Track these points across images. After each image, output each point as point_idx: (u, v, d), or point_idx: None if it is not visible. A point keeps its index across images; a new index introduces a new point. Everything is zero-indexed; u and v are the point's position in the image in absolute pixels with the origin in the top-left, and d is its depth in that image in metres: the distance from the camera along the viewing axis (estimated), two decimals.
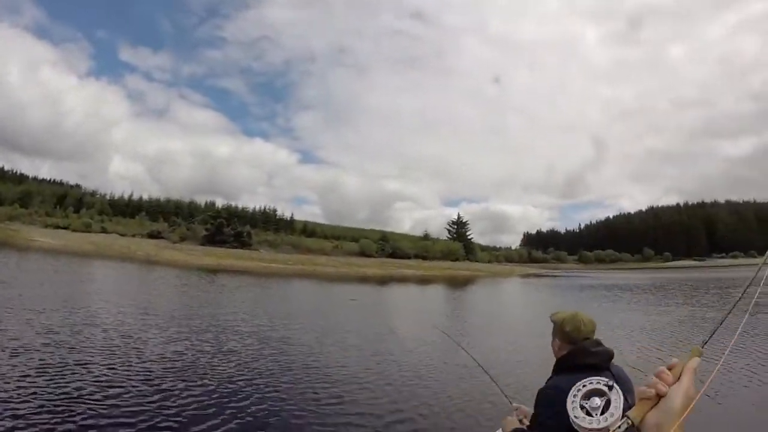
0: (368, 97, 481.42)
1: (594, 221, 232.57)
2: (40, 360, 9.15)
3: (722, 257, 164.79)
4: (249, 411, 7.46)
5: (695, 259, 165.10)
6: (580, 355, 2.80)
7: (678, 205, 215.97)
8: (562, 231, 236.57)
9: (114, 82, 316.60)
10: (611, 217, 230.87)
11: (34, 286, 20.08)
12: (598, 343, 2.90)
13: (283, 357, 11.51)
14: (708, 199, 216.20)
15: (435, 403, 8.66)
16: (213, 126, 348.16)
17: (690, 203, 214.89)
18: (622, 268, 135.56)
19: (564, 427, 2.32)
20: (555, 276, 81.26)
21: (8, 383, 7.64)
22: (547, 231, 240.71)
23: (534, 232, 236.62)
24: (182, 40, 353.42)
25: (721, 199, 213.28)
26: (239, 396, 8.17)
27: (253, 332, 14.60)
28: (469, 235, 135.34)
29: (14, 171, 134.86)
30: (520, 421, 3.31)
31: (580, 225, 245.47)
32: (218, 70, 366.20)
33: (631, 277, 71.78)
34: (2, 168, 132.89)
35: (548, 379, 2.85)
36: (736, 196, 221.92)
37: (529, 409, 3.18)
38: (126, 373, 8.94)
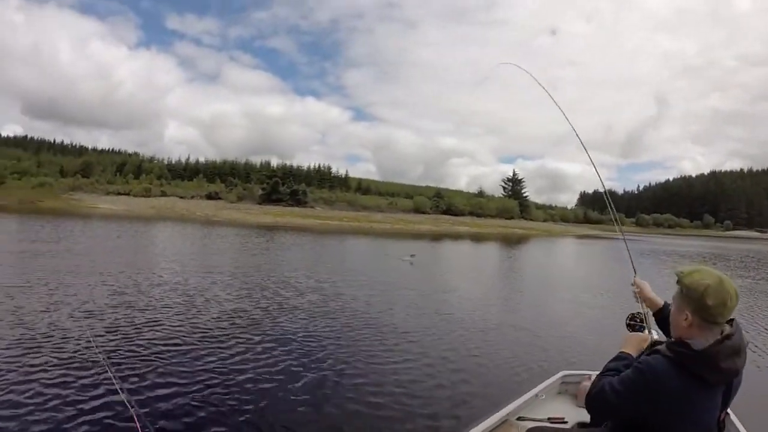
0: (418, 52, 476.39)
1: (653, 183, 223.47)
2: (111, 321, 9.55)
3: None
4: (312, 367, 7.69)
5: (757, 230, 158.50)
6: (721, 357, 2.15)
7: (742, 170, 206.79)
8: (620, 192, 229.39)
9: (164, 51, 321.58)
10: (671, 179, 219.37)
11: (101, 251, 20.77)
12: (741, 336, 2.28)
13: (343, 314, 11.74)
14: None
15: (490, 359, 8.86)
16: (264, 87, 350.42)
17: (755, 170, 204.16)
18: (680, 234, 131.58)
19: (640, 411, 2.28)
20: (611, 239, 79.78)
21: (82, 342, 7.99)
22: (605, 191, 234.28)
23: (591, 191, 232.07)
24: (228, 3, 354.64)
25: None
26: (302, 352, 8.44)
27: (314, 288, 15.00)
28: (525, 192, 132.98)
29: (74, 144, 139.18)
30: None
31: (638, 186, 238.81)
32: (266, 31, 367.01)
33: (690, 245, 70.24)
34: (62, 142, 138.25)
35: (661, 355, 2.26)
36: None
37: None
38: (193, 330, 9.32)
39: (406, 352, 8.77)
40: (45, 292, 11.87)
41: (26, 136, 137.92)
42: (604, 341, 9.92)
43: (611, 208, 3.95)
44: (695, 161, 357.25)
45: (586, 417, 2.98)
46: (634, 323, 3.21)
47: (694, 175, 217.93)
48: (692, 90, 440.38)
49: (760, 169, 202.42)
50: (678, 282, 2.34)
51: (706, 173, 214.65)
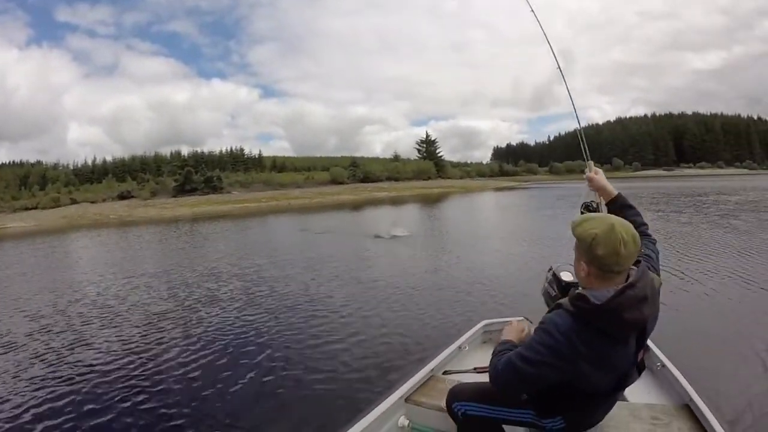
0: (323, 22, 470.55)
1: (563, 133, 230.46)
2: (35, 350, 9.35)
3: (689, 167, 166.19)
4: (243, 357, 7.93)
5: (664, 169, 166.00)
6: (624, 309, 2.10)
7: (646, 116, 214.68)
8: (532, 143, 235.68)
9: (56, 46, 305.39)
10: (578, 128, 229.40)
11: (15, 276, 20.40)
12: (647, 281, 2.22)
13: (268, 297, 11.96)
14: (675, 111, 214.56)
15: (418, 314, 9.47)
16: (167, 73, 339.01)
17: (658, 114, 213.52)
18: None
19: (552, 374, 2.30)
20: (528, 188, 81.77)
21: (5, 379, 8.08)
22: (517, 144, 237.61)
23: (504, 145, 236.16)
24: None
25: (689, 111, 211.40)
26: (229, 343, 8.65)
27: (238, 275, 15.17)
28: (439, 152, 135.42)
29: None
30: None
31: (549, 137, 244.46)
32: (163, 15, 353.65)
33: None
34: None
35: (565, 311, 2.23)
36: (704, 109, 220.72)
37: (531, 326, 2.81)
38: (117, 342, 9.31)
39: (332, 325, 9.14)
40: None
41: None
42: (524, 288, 10.56)
43: (584, 147, 3.93)
44: (602, 110, 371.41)
45: None
46: (590, 209, 3.10)
47: (601, 123, 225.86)
48: (596, 44, 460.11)
49: (662, 114, 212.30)
50: (573, 233, 2.32)
51: (612, 120, 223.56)
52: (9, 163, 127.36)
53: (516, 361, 2.33)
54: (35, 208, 78.99)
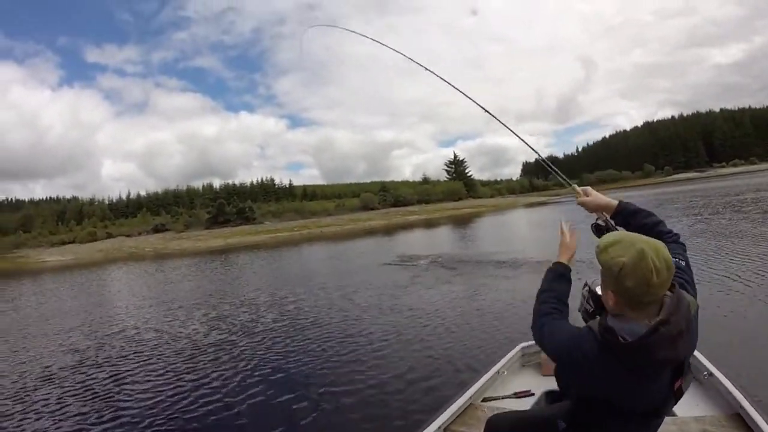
0: (345, 50, 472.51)
1: (591, 142, 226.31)
2: (76, 380, 9.61)
3: (722, 166, 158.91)
4: (284, 383, 8.04)
5: (696, 171, 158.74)
6: (656, 349, 1.84)
7: (673, 117, 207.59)
8: (561, 156, 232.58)
9: (88, 86, 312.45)
10: (607, 136, 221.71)
11: (54, 308, 20.69)
12: (683, 313, 1.92)
13: (305, 324, 12.09)
14: (703, 109, 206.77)
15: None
16: (195, 108, 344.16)
17: (685, 114, 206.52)
18: (625, 186, 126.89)
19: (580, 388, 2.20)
20: (559, 202, 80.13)
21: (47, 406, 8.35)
22: (546, 157, 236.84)
23: (532, 160, 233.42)
24: (146, 29, 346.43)
25: (716, 108, 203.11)
26: (272, 371, 8.71)
27: (274, 304, 15.28)
28: (468, 172, 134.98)
29: (9, 199, 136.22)
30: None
31: (577, 148, 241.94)
32: (189, 51, 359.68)
33: (636, 195, 67.38)
34: None
35: (596, 341, 1.97)
36: (731, 104, 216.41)
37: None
38: (159, 375, 9.39)
39: (367, 352, 9.09)
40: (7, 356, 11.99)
41: None
42: None
43: (555, 171, 3.61)
44: (628, 115, 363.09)
45: (552, 384, 2.98)
46: (601, 228, 2.70)
47: (628, 129, 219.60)
48: (615, 48, 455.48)
49: (690, 113, 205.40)
50: (599, 260, 2.04)
51: (640, 125, 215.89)
52: (46, 199, 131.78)
53: (546, 342, 2.26)
54: (72, 242, 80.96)
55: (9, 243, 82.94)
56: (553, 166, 3.58)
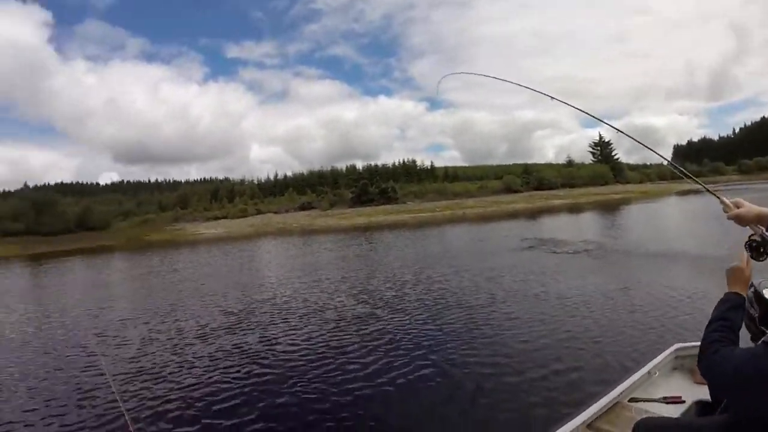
0: (478, 30, 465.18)
1: (749, 123, 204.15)
2: (227, 339, 10.32)
3: None
4: (440, 361, 8.14)
5: None
6: None
7: None
8: (715, 138, 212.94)
9: (231, 80, 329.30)
10: (766, 116, 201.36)
11: (208, 272, 21.54)
12: None
13: (453, 306, 11.99)
14: None
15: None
16: (334, 94, 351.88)
17: None
18: None
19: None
20: (718, 190, 73.02)
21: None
22: (699, 140, 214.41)
23: (684, 143, 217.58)
24: (279, 24, 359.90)
25: None
26: (423, 353, 8.72)
27: (422, 282, 15.47)
28: (615, 154, 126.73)
29: (167, 180, 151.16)
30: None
31: (734, 129, 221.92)
32: (323, 41, 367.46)
33: None
34: (156, 180, 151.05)
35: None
36: None
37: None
38: (308, 336, 9.98)
39: (511, 340, 8.90)
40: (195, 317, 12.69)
41: (123, 181, 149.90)
42: None
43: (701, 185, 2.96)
44: None
45: (706, 394, 2.83)
46: (757, 244, 2.35)
47: None
48: None
49: None
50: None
51: None
52: (200, 180, 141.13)
53: (721, 370, 2.00)
54: (225, 217, 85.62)
55: (168, 218, 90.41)
56: (688, 173, 3.33)
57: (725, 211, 2.43)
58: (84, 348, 10.55)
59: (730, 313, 2.21)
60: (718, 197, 2.56)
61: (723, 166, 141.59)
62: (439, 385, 6.98)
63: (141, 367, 8.76)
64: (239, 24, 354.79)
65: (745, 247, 2.30)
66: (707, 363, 2.08)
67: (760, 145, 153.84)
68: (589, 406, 3.55)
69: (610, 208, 53.14)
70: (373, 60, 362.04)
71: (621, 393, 3.76)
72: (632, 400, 3.79)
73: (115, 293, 18.85)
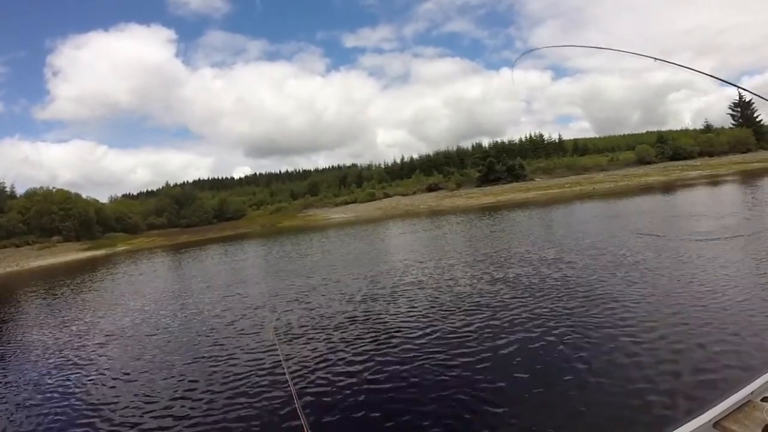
0: None
1: None
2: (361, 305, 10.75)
3: None
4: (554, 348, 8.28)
5: None
6: None
7: None
8: None
9: (352, 68, 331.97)
10: None
11: (346, 257, 22.26)
12: None
13: (578, 292, 11.88)
14: None
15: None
16: (456, 71, 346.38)
17: None
18: None
19: None
20: None
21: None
22: None
23: None
24: (391, 8, 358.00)
25: None
26: (545, 338, 8.88)
27: (550, 263, 15.54)
28: (758, 116, 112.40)
29: (297, 170, 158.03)
30: None
31: None
32: (438, 19, 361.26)
33: None
34: (287, 171, 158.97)
35: None
36: None
37: None
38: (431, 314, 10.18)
39: (637, 330, 8.63)
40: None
41: (255, 174, 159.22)
42: None
43: None
44: None
45: None
46: None
47: None
48: None
49: None
50: None
51: None
52: (329, 167, 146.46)
53: None
54: (353, 202, 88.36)
55: (299, 205, 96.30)
56: None
57: None
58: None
59: None
60: None
61: None
62: (552, 366, 7.18)
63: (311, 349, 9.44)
64: (353, 13, 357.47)
65: None
66: None
67: None
68: (717, 404, 3.37)
69: (753, 179, 48.37)
70: (492, 32, 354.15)
71: (754, 391, 3.49)
72: (765, 399, 3.50)
73: (248, 275, 19.90)
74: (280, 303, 13.44)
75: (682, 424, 3.10)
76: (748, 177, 50.92)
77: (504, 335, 8.74)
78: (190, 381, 8.22)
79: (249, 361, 8.70)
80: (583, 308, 10.10)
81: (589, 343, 7.99)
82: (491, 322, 9.60)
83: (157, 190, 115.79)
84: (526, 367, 7.29)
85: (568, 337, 8.41)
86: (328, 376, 7.54)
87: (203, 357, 9.42)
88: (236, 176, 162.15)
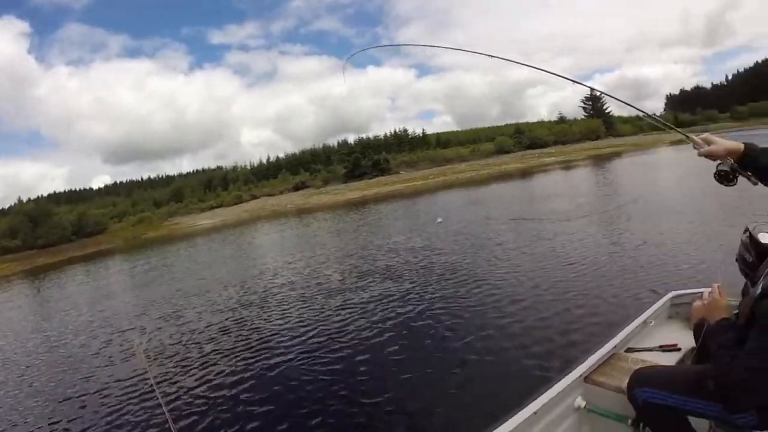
0: None
1: (743, 69, 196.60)
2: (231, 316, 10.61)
3: None
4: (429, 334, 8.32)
5: None
6: None
7: None
8: (708, 86, 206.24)
9: (217, 65, 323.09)
10: (759, 61, 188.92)
11: (214, 265, 21.78)
12: None
13: (445, 272, 12.26)
14: None
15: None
16: (322, 69, 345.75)
17: None
18: None
19: None
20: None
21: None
22: (692, 89, 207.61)
23: (677, 92, 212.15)
24: (261, 3, 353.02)
25: None
26: (416, 319, 9.01)
27: (414, 250, 15.71)
28: (607, 108, 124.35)
29: (160, 176, 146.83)
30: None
31: (727, 76, 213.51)
32: (306, 17, 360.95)
33: None
34: (149, 177, 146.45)
35: None
36: None
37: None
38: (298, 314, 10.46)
39: (509, 301, 9.03)
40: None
41: (116, 182, 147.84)
42: (716, 254, 9.46)
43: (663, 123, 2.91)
44: None
45: None
46: (725, 173, 2.44)
47: None
48: None
49: None
50: None
51: None
52: (193, 171, 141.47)
53: (754, 377, 2.07)
54: (220, 206, 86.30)
55: (164, 214, 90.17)
56: (656, 117, 3.36)
57: (695, 148, 2.52)
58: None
59: (729, 334, 2.32)
60: (687, 136, 2.71)
61: (716, 114, 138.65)
62: (427, 353, 7.15)
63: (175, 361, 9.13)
64: (220, 8, 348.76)
65: (714, 177, 2.41)
66: (745, 381, 2.12)
67: (754, 91, 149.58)
68: (586, 359, 3.56)
69: (600, 161, 53.64)
70: (359, 30, 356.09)
71: (617, 344, 3.75)
72: (629, 350, 3.81)
73: (113, 296, 19.09)
74: (149, 322, 12.69)
75: (556, 383, 3.22)
76: (599, 161, 55.89)
77: (378, 326, 8.70)
78: (53, 423, 7.71)
79: (120, 392, 8.23)
80: (452, 290, 10.28)
81: (463, 323, 8.16)
82: (364, 315, 9.49)
83: (9, 207, 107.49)
84: (404, 354, 7.33)
85: (443, 319, 8.52)
86: (203, 393, 7.22)
87: (71, 395, 8.83)
88: (95, 186, 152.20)
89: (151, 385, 7.42)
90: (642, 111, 3.50)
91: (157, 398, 6.94)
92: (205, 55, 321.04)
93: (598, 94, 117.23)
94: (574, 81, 3.77)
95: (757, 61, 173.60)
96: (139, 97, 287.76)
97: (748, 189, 1.94)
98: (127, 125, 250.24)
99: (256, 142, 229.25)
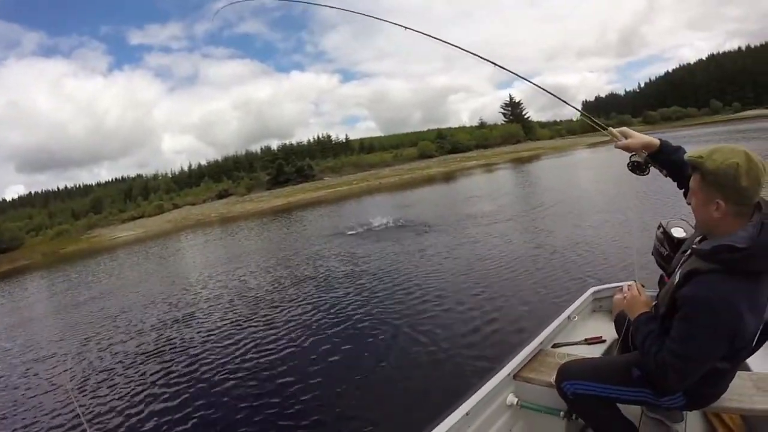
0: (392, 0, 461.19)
1: (654, 77, 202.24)
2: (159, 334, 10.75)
3: None
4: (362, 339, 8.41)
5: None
6: None
7: (740, 49, 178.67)
8: (622, 93, 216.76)
9: (137, 67, 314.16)
10: (670, 70, 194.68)
11: (138, 280, 21.43)
12: None
13: (374, 274, 12.45)
14: None
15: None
16: (246, 73, 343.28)
17: (753, 46, 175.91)
18: (691, 125, 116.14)
19: (723, 348, 2.08)
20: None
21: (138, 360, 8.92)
22: (607, 95, 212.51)
23: (593, 98, 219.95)
24: (185, 4, 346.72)
25: None
26: (347, 324, 9.10)
27: (340, 256, 15.81)
28: (526, 114, 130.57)
29: (78, 185, 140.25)
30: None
31: (639, 84, 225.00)
32: (232, 19, 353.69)
33: (705, 132, 62.95)
34: (66, 187, 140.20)
35: (710, 275, 2.02)
36: None
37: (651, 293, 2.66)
38: (228, 325, 10.40)
39: (435, 304, 9.18)
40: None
41: (30, 193, 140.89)
42: (631, 250, 9.52)
43: (590, 119, 3.12)
44: (694, 47, 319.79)
45: None
46: (638, 163, 2.63)
47: (693, 62, 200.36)
48: None
49: (759, 45, 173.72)
50: (697, 169, 2.08)
51: (705, 58, 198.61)
52: (112, 180, 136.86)
53: (683, 362, 2.13)
54: (141, 216, 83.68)
55: (83, 226, 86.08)
56: (583, 112, 3.40)
57: (614, 141, 2.69)
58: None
59: (651, 325, 2.36)
60: (606, 129, 2.82)
61: (629, 118, 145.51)
62: (359, 357, 7.24)
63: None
64: (143, 7, 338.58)
65: (628, 166, 2.58)
66: (668, 353, 2.16)
67: (664, 97, 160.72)
68: (513, 357, 3.60)
69: (520, 164, 55.35)
70: (284, 35, 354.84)
71: (543, 340, 3.82)
72: (555, 345, 3.91)
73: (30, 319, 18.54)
74: (71, 346, 12.51)
75: (486, 381, 3.28)
76: (518, 163, 57.73)
77: (311, 336, 8.60)
78: None
79: (46, 425, 8.16)
80: (380, 296, 10.31)
81: (390, 328, 8.20)
82: (295, 325, 9.36)
83: None
84: (337, 362, 7.29)
85: (371, 325, 8.56)
86: (130, 420, 7.32)
87: None
88: (8, 197, 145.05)
89: (78, 415, 7.45)
90: (577, 109, 3.89)
91: (83, 422, 7.00)
92: (125, 57, 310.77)
93: (518, 99, 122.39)
94: (523, 78, 4.08)
95: (667, 70, 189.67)
96: (56, 101, 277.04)
97: (658, 190, 2.10)
98: (42, 131, 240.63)
99: (178, 149, 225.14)
